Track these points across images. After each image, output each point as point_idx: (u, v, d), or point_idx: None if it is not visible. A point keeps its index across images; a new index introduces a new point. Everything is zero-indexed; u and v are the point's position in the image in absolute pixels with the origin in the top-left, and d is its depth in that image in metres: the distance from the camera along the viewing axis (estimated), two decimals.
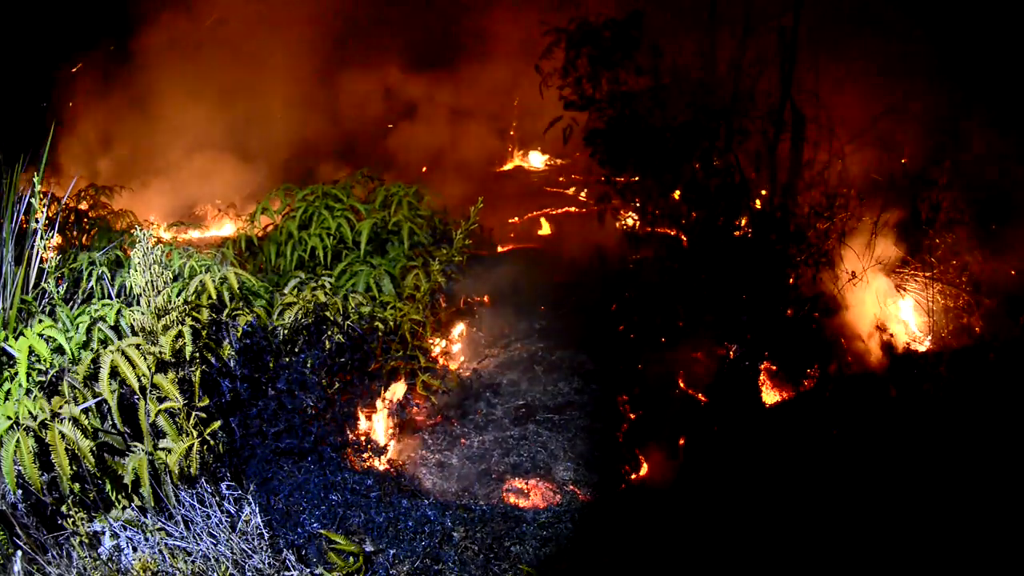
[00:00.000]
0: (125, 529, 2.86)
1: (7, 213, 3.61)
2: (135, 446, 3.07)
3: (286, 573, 2.91)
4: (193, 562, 2.76)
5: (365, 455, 4.07)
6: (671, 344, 5.50)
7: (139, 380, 2.96)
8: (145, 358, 3.00)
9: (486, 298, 6.04)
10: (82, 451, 2.76)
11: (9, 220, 3.61)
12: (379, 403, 4.33)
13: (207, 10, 8.83)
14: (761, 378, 5.28)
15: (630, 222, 6.21)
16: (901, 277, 5.56)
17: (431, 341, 4.62)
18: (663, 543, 3.57)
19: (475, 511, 3.67)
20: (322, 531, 3.29)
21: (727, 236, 5.77)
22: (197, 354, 3.28)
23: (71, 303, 4.00)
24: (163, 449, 3.00)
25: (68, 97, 8.06)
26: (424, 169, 8.75)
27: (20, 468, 2.73)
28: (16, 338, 3.16)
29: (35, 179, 3.52)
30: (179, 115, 8.33)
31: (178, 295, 3.64)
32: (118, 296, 4.13)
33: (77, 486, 2.83)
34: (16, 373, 3.02)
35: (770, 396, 5.23)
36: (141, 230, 3.17)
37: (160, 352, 3.08)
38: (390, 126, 9.23)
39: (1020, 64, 5.13)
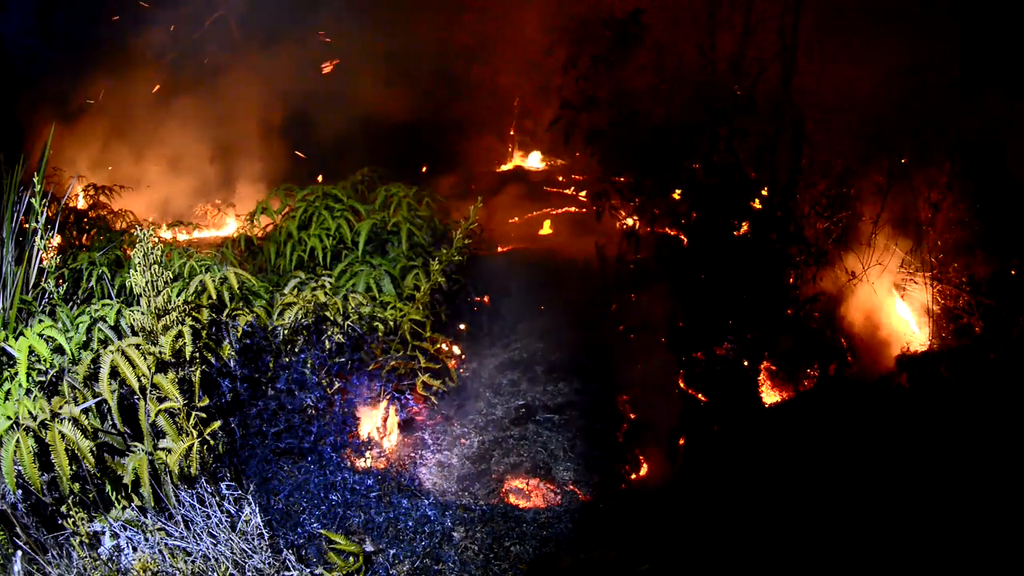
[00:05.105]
0: (125, 529, 2.86)
1: (7, 213, 3.61)
2: (135, 446, 3.07)
3: (286, 573, 2.91)
4: (193, 562, 2.76)
5: (365, 455, 4.07)
6: (671, 344, 5.50)
7: (139, 380, 2.96)
8: (145, 358, 3.00)
9: (486, 298, 6.03)
10: (82, 451, 2.76)
11: (9, 220, 3.60)
12: (379, 403, 4.32)
13: (207, 9, 8.83)
14: (761, 378, 5.28)
15: (630, 222, 6.20)
16: (901, 277, 5.56)
17: (431, 341, 4.62)
18: (663, 543, 3.56)
19: (475, 511, 3.67)
20: (322, 531, 3.29)
21: (727, 236, 5.77)
22: (197, 354, 3.28)
23: (71, 303, 4.00)
24: (163, 449, 3.00)
25: (68, 97, 8.06)
26: (424, 169, 8.74)
27: (20, 468, 2.73)
28: (16, 338, 3.16)
29: (35, 179, 3.51)
30: (179, 115, 8.33)
31: (178, 295, 3.64)
32: (118, 296, 4.13)
33: (77, 486, 2.83)
34: (16, 373, 3.02)
35: (770, 396, 5.23)
36: (141, 230, 3.16)
37: (160, 352, 3.07)
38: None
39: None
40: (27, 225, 3.64)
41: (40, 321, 3.35)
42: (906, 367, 5.00)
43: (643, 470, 4.50)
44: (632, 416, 4.91)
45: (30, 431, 2.73)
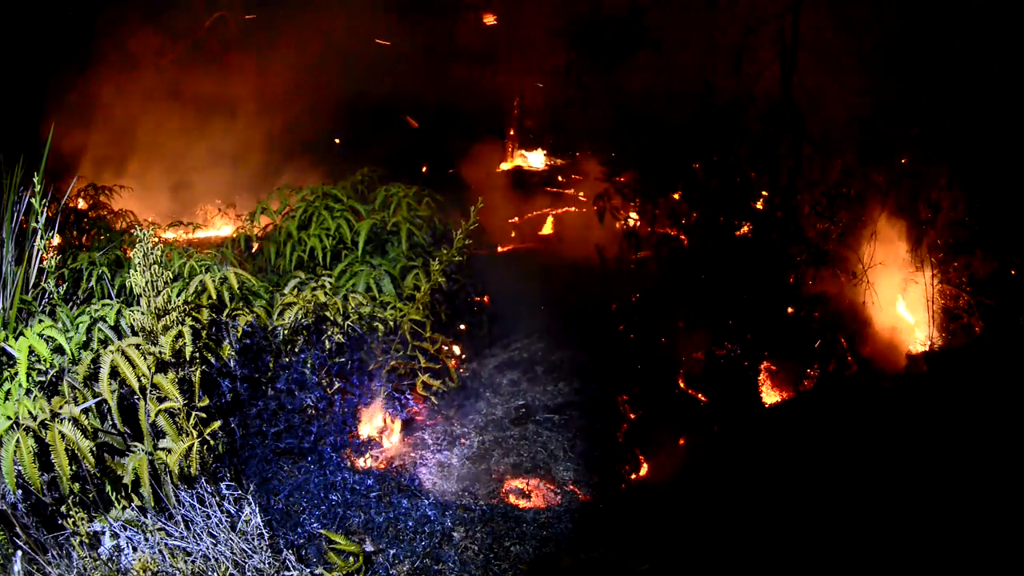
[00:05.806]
0: (125, 529, 2.86)
1: (7, 213, 3.61)
2: (135, 446, 3.07)
3: (286, 573, 2.91)
4: (193, 562, 2.76)
5: (365, 455, 4.07)
6: (671, 344, 5.50)
7: (139, 380, 2.96)
8: (145, 358, 3.00)
9: (486, 298, 6.03)
10: (82, 451, 2.76)
11: (9, 220, 3.60)
12: (379, 403, 4.32)
13: (206, 10, 8.83)
14: (761, 378, 5.28)
15: (630, 222, 6.20)
16: (901, 277, 5.56)
17: (431, 341, 4.62)
18: (663, 543, 3.56)
19: (475, 511, 3.67)
20: (322, 531, 3.29)
21: (727, 236, 5.77)
22: (197, 354, 3.28)
23: (71, 303, 4.00)
24: (163, 449, 2.99)
25: (68, 96, 8.05)
26: (424, 169, 8.74)
27: (20, 468, 2.73)
28: (16, 338, 3.16)
29: (35, 179, 3.51)
30: (179, 114, 8.33)
31: (178, 295, 3.64)
32: (118, 296, 4.13)
33: (77, 486, 2.83)
34: (16, 373, 3.02)
35: (770, 396, 5.23)
36: (141, 230, 3.16)
37: (160, 352, 3.07)
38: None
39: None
40: (27, 225, 3.64)
41: (40, 321, 3.35)
42: (906, 367, 5.00)
43: (643, 470, 4.50)
44: (632, 416, 4.91)
45: (30, 431, 2.73)
